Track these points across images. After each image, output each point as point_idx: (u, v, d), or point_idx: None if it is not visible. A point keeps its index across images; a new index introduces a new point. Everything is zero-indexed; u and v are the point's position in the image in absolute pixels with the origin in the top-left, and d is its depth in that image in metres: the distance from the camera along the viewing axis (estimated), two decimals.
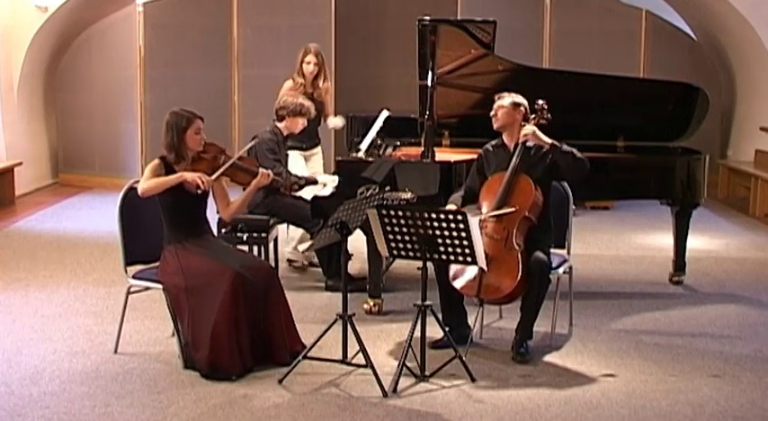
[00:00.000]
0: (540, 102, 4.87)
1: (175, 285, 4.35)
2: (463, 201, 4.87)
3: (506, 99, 4.80)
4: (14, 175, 9.35)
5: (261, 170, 4.70)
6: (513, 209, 4.59)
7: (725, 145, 10.59)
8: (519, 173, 4.67)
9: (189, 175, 4.38)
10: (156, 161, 4.48)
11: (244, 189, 4.72)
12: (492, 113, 4.82)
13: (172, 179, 4.38)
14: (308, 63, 6.48)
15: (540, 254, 4.55)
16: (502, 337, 4.87)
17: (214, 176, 4.46)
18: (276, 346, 4.41)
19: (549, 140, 4.67)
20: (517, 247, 4.53)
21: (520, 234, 4.59)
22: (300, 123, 5.95)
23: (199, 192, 4.41)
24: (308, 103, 5.95)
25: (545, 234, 4.74)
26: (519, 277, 4.44)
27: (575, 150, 4.69)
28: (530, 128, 4.69)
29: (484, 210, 4.70)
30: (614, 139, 6.28)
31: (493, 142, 4.92)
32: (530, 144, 4.72)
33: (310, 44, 6.63)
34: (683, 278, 6.13)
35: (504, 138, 4.84)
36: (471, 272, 4.50)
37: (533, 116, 4.83)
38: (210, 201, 4.61)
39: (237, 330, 4.24)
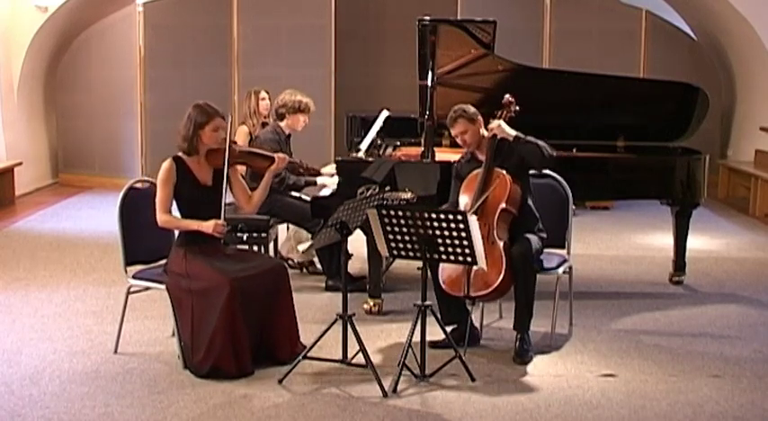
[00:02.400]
0: (507, 96, 4.88)
1: (179, 286, 4.35)
2: None
3: (460, 122, 4.75)
4: (14, 175, 9.35)
5: (277, 155, 4.73)
6: (486, 195, 4.61)
7: (725, 145, 10.60)
8: (493, 168, 4.69)
9: (205, 227, 4.38)
10: (168, 163, 4.44)
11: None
12: (459, 141, 4.80)
13: (190, 225, 4.40)
14: (264, 99, 6.55)
15: (519, 245, 4.56)
16: (502, 337, 4.87)
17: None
18: (280, 345, 4.42)
19: (513, 133, 4.68)
20: (499, 240, 4.53)
21: (501, 227, 4.60)
22: (302, 120, 5.96)
23: (217, 235, 4.40)
24: (306, 99, 5.95)
25: (529, 223, 4.74)
26: (504, 269, 4.44)
27: (539, 142, 4.67)
28: (496, 122, 4.72)
29: (461, 205, 4.71)
30: (614, 139, 6.28)
31: (464, 156, 4.93)
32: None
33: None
34: (683, 278, 6.13)
35: (476, 153, 4.85)
36: (457, 272, 4.50)
37: (501, 111, 4.83)
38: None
39: (236, 339, 4.23)
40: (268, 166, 4.65)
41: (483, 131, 4.80)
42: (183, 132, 4.46)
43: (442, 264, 4.54)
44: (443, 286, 4.58)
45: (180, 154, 4.49)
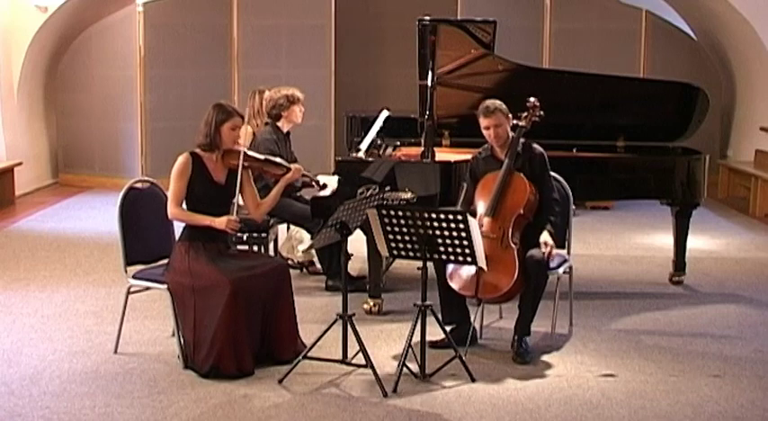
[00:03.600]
0: (532, 99, 4.86)
1: (181, 284, 4.35)
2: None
3: (497, 114, 4.70)
4: (14, 175, 9.34)
5: (293, 165, 4.75)
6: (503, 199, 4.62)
7: (725, 145, 10.59)
8: (513, 171, 4.68)
9: (218, 223, 4.38)
10: (184, 157, 4.46)
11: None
12: (490, 133, 4.73)
13: (202, 220, 4.40)
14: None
15: (536, 251, 4.55)
16: (502, 337, 4.87)
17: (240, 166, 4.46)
18: (281, 345, 4.42)
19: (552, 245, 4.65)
20: (513, 245, 4.53)
21: (516, 232, 4.59)
22: (298, 111, 5.94)
23: (230, 231, 4.42)
24: (291, 90, 5.93)
25: (539, 231, 4.74)
26: (516, 275, 4.44)
27: (554, 211, 4.75)
28: (550, 241, 4.61)
29: (480, 209, 4.70)
30: (614, 139, 6.29)
31: (483, 152, 4.91)
32: (520, 149, 4.74)
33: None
34: (683, 278, 6.13)
35: (496, 149, 4.82)
36: (468, 272, 4.50)
37: (525, 114, 4.82)
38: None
39: (237, 339, 4.23)
40: (282, 175, 4.69)
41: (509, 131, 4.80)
42: (204, 130, 4.48)
43: (449, 266, 4.53)
44: (452, 285, 4.56)
45: (197, 150, 4.50)
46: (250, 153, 4.61)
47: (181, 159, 4.47)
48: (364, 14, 10.68)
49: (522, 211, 4.61)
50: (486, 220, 4.61)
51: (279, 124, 5.95)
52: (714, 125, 9.94)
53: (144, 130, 9.93)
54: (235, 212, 4.47)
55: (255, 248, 5.71)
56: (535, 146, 4.84)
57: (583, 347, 4.79)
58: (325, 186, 5.44)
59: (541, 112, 4.85)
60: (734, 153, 10.43)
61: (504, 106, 4.75)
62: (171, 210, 4.44)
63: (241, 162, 4.45)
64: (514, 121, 4.79)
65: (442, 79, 5.89)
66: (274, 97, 5.92)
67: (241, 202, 4.67)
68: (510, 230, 4.57)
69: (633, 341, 4.92)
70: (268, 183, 5.79)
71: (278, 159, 4.80)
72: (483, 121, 4.75)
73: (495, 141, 4.77)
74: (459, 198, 5.06)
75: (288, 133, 6.01)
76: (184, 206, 4.51)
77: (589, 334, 5.02)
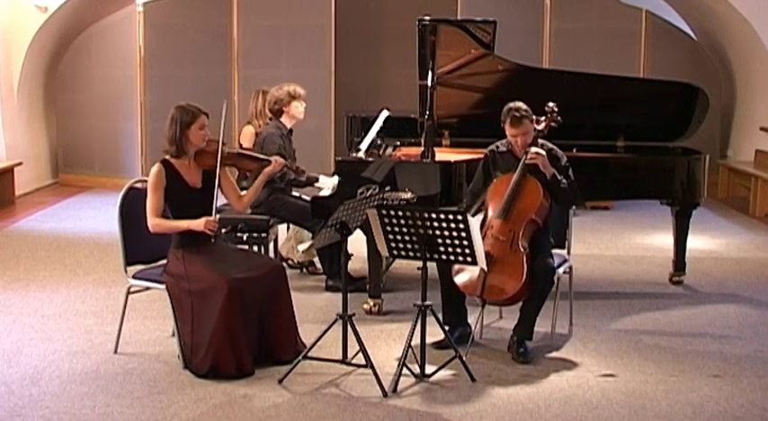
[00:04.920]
0: (551, 104, 4.83)
1: (179, 287, 4.35)
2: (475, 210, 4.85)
3: (525, 123, 4.64)
4: (14, 175, 9.35)
5: (274, 158, 4.74)
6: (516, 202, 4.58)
7: (725, 145, 10.59)
8: (527, 175, 4.66)
9: (196, 225, 4.34)
10: (157, 168, 4.42)
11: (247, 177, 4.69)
12: (518, 141, 4.69)
13: (180, 225, 4.38)
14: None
15: (546, 257, 4.55)
16: (502, 337, 4.86)
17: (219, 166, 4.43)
18: (280, 345, 4.42)
19: (551, 170, 4.63)
20: (522, 250, 4.52)
21: (525, 236, 4.58)
22: (300, 107, 5.93)
23: (209, 232, 4.36)
24: (293, 86, 5.93)
25: (547, 237, 4.75)
26: (524, 279, 4.44)
27: (571, 184, 4.69)
28: (541, 151, 4.62)
29: (490, 212, 4.69)
30: (614, 139, 6.29)
31: (501, 146, 4.88)
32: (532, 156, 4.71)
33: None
34: (683, 278, 6.13)
35: (515, 145, 4.79)
36: (475, 271, 4.49)
37: (544, 118, 4.80)
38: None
39: (235, 340, 4.23)
40: (259, 168, 4.67)
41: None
42: (169, 135, 4.43)
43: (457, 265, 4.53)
44: (457, 282, 4.56)
45: (167, 157, 4.47)
46: (224, 149, 4.54)
47: (154, 170, 4.42)
48: (364, 14, 10.67)
49: (533, 216, 4.59)
50: (496, 222, 4.60)
51: (282, 120, 5.95)
52: (714, 125, 9.94)
53: (144, 130, 9.93)
54: (214, 212, 4.44)
55: (255, 248, 5.71)
56: (555, 148, 4.82)
57: (583, 347, 4.79)
58: (303, 171, 5.40)
59: (560, 118, 4.81)
60: (734, 153, 10.43)
61: (529, 110, 4.70)
62: (151, 222, 4.39)
63: (219, 160, 4.40)
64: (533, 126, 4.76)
65: (442, 79, 5.89)
66: (276, 94, 5.92)
67: (224, 201, 4.64)
68: (520, 234, 4.56)
69: (633, 341, 4.92)
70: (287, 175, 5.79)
71: (253, 153, 4.76)
72: (510, 130, 4.70)
73: (520, 148, 4.73)
74: (461, 199, 5.06)
75: (290, 131, 6.01)
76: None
77: (589, 334, 5.02)
